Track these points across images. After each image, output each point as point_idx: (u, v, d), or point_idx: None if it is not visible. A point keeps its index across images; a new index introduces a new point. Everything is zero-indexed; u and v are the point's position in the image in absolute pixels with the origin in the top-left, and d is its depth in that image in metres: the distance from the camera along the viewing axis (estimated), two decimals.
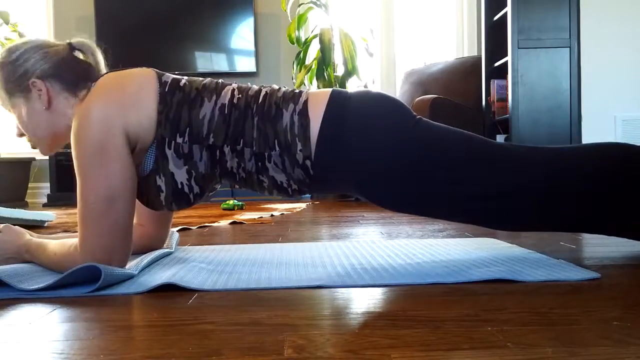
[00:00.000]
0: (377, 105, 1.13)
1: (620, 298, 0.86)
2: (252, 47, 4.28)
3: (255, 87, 1.16)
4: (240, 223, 2.24)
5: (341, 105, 1.10)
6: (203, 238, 1.75)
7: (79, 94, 1.15)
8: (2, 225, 1.19)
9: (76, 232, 1.07)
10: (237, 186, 1.17)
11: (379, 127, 1.10)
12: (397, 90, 4.03)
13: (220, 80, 1.17)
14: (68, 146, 1.10)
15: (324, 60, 3.67)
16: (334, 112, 1.09)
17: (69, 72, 1.15)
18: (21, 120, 1.17)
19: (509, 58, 2.95)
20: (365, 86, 3.84)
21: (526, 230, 1.18)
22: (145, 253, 1.29)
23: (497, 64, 3.25)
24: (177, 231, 1.90)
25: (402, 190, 1.10)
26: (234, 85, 1.15)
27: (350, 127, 1.09)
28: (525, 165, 1.11)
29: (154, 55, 4.25)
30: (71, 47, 1.18)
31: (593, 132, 3.78)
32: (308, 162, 1.08)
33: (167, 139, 1.07)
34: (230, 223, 2.24)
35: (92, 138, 1.03)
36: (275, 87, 1.16)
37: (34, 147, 1.22)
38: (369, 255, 1.29)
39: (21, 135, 1.20)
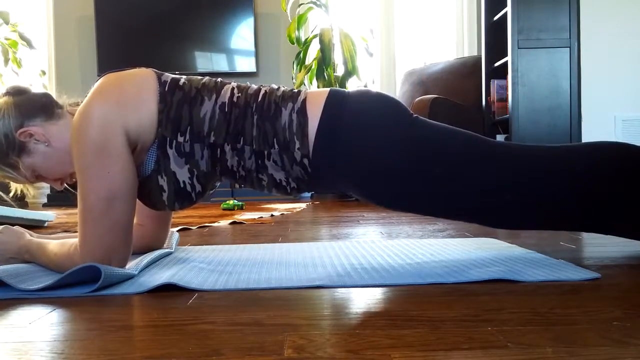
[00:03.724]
0: (374, 104, 1.13)
1: (620, 298, 0.86)
2: (252, 47, 4.28)
3: (254, 86, 1.16)
4: (240, 223, 2.24)
5: (338, 104, 1.11)
6: (203, 238, 1.75)
7: (59, 114, 1.15)
8: (2, 226, 1.19)
9: (76, 232, 1.07)
10: (236, 184, 1.17)
11: (376, 126, 1.10)
12: (397, 90, 4.03)
13: (219, 79, 1.17)
14: None
15: (324, 60, 3.67)
16: (331, 111, 1.09)
17: (35, 106, 1.14)
18: (37, 172, 1.15)
19: (509, 58, 2.95)
20: (365, 86, 3.84)
21: (525, 228, 1.18)
22: (145, 253, 1.29)
23: (497, 64, 3.25)
24: (177, 231, 1.90)
25: (401, 189, 1.10)
26: (233, 84, 1.15)
27: (348, 126, 1.09)
28: (524, 163, 1.11)
29: (154, 55, 4.25)
30: (12, 93, 1.16)
31: (593, 132, 3.77)
32: (306, 161, 1.09)
33: (168, 139, 1.07)
34: (230, 223, 2.24)
35: (92, 138, 1.03)
36: (275, 86, 1.16)
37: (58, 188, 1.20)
38: (369, 255, 1.29)
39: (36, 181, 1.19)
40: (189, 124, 1.08)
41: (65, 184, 1.20)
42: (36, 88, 1.20)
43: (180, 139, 1.08)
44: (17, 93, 1.17)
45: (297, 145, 1.08)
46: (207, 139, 1.08)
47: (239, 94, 1.12)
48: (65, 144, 1.12)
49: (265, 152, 1.09)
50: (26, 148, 1.13)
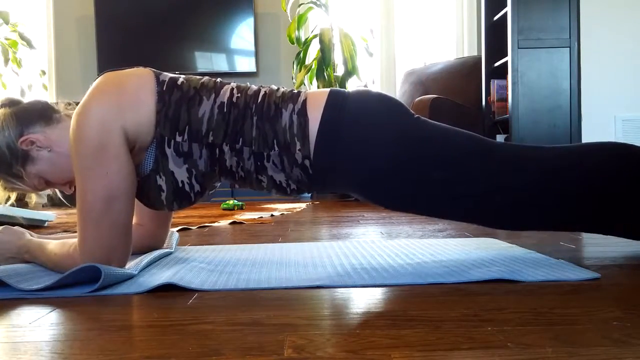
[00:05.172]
0: (375, 104, 1.13)
1: (620, 298, 0.86)
2: (252, 47, 4.28)
3: (254, 86, 1.16)
4: (240, 223, 2.24)
5: (339, 105, 1.11)
6: (203, 238, 1.75)
7: (57, 119, 1.16)
8: (2, 226, 1.19)
9: (76, 232, 1.07)
10: (236, 185, 1.17)
11: (377, 127, 1.10)
12: (397, 90, 4.03)
13: (218, 79, 1.17)
14: None
15: (324, 60, 3.67)
16: (332, 112, 1.09)
17: (32, 113, 1.15)
18: (45, 178, 1.16)
19: (509, 58, 2.95)
20: (365, 86, 3.84)
21: (526, 229, 1.18)
22: (145, 253, 1.29)
23: (497, 64, 3.25)
24: (177, 231, 1.90)
25: (402, 190, 1.10)
26: (233, 85, 1.15)
27: (349, 127, 1.09)
28: (524, 163, 1.11)
29: (154, 55, 4.25)
30: (7, 104, 1.17)
31: (593, 132, 3.77)
32: (307, 162, 1.08)
33: (166, 138, 1.07)
34: (230, 223, 2.24)
35: (90, 138, 1.02)
36: (274, 87, 1.16)
37: (68, 193, 1.20)
38: (369, 255, 1.29)
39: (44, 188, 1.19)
40: (187, 123, 1.08)
41: (74, 187, 1.20)
42: (34, 91, 1.20)
43: (179, 139, 1.07)
44: (12, 104, 1.17)
45: (298, 146, 1.08)
46: (205, 138, 1.08)
47: (239, 95, 1.12)
48: (67, 147, 1.12)
49: (265, 154, 1.08)
50: (29, 156, 1.13)
